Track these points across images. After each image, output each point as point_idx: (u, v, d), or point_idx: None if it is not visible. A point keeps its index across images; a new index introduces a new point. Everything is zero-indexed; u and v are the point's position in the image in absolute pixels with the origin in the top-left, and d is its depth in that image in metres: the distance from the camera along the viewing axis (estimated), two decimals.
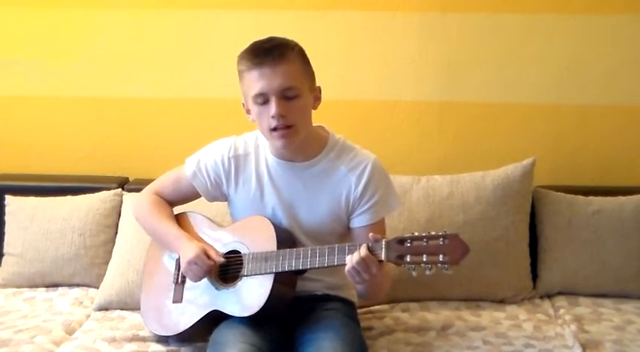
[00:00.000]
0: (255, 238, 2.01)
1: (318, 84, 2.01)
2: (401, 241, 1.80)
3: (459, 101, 2.73)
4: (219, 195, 2.13)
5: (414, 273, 1.79)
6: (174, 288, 2.11)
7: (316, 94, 2.00)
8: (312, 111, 2.00)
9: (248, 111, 2.00)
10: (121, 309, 2.38)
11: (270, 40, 1.94)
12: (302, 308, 2.03)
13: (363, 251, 1.81)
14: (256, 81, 1.90)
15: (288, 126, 1.92)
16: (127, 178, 2.75)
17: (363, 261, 1.80)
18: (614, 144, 2.73)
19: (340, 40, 2.69)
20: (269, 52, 1.90)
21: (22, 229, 2.55)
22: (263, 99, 1.91)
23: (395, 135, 2.75)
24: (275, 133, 1.93)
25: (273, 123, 1.91)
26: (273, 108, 1.90)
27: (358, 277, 1.83)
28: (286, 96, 1.91)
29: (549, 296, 2.48)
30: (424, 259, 1.76)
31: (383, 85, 2.74)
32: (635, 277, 2.44)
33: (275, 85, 1.89)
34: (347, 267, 1.83)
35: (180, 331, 2.07)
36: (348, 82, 2.71)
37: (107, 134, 2.83)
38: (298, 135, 1.95)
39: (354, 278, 1.84)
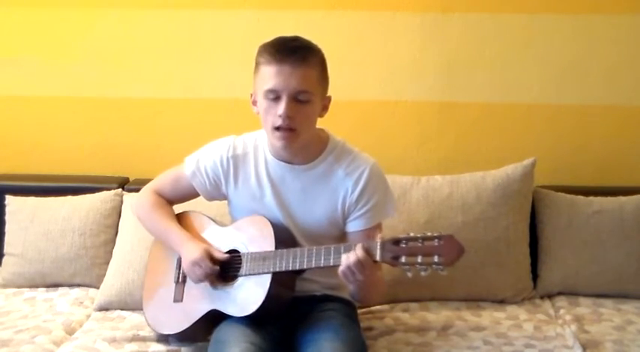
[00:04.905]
0: (254, 237, 2.01)
1: (329, 93, 2.00)
2: (396, 242, 1.80)
3: (459, 101, 2.73)
4: (218, 194, 2.13)
5: (409, 274, 1.79)
6: (175, 287, 2.12)
7: (325, 103, 2.00)
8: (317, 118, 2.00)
9: (254, 103, 1.99)
10: (121, 309, 2.38)
11: (297, 39, 1.94)
12: (302, 309, 2.03)
13: (359, 251, 1.81)
14: (272, 76, 1.89)
15: (291, 129, 1.92)
16: (127, 178, 2.74)
17: (358, 261, 1.80)
18: (614, 144, 2.73)
19: (341, 39, 2.69)
20: (293, 52, 1.89)
21: (22, 229, 2.55)
22: (274, 95, 1.91)
23: (395, 135, 2.75)
24: (277, 133, 1.93)
25: (278, 121, 1.91)
26: (282, 107, 1.89)
27: (352, 277, 1.83)
28: (298, 99, 1.90)
29: (549, 296, 2.48)
30: (419, 260, 1.76)
31: (383, 84, 2.74)
32: (635, 277, 2.44)
33: (291, 85, 1.89)
34: (341, 268, 1.82)
35: (181, 330, 2.07)
36: (348, 81, 2.70)
37: (107, 134, 2.83)
38: (299, 140, 1.95)
39: (347, 278, 1.84)
